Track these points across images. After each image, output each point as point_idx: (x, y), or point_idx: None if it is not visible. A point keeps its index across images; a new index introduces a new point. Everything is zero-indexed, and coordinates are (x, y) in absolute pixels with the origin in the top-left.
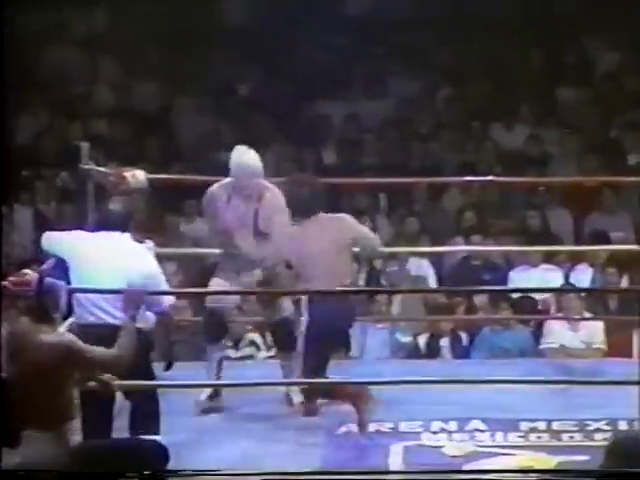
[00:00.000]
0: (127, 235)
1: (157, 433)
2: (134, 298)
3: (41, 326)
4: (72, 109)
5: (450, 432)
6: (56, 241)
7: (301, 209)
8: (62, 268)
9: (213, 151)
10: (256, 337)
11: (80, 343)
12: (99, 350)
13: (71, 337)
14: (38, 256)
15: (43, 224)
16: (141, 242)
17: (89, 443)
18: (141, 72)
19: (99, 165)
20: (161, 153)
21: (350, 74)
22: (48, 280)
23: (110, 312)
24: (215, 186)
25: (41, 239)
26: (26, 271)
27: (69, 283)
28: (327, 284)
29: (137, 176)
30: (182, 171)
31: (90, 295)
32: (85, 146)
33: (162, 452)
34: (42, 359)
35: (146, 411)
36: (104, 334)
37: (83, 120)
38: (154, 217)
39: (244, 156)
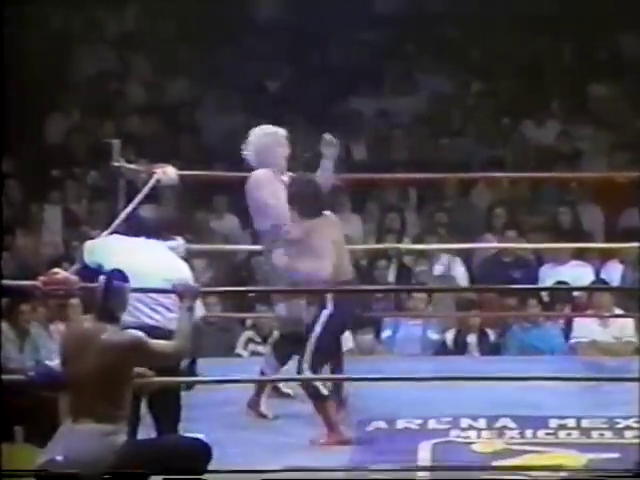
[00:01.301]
0: (160, 241)
1: (177, 430)
2: (190, 293)
3: (106, 325)
4: (103, 107)
5: (479, 429)
6: (97, 252)
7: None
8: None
9: (241, 148)
10: None
11: (151, 341)
12: (162, 343)
13: (140, 335)
14: (69, 255)
15: (74, 223)
16: (171, 239)
17: (134, 441)
18: (171, 69)
19: (130, 163)
20: (191, 150)
21: (381, 70)
22: (117, 281)
23: (147, 314)
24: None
25: (83, 250)
26: (56, 270)
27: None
28: (341, 276)
29: (168, 173)
30: (212, 168)
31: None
32: (116, 144)
33: (205, 450)
34: (111, 356)
35: (172, 409)
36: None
37: (114, 118)
38: (184, 214)
39: None
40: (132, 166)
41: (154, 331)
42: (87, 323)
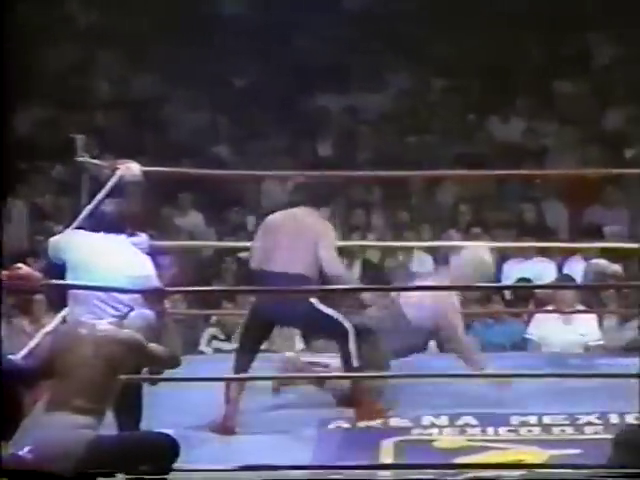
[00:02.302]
0: (123, 237)
1: (139, 427)
2: (155, 297)
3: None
4: (69, 102)
5: (441, 427)
6: (60, 248)
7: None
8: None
9: (209, 144)
10: None
11: (144, 341)
12: (159, 348)
13: (138, 335)
14: (33, 250)
15: (39, 217)
16: (135, 235)
17: (102, 436)
18: (139, 65)
19: (94, 158)
20: (157, 146)
21: (348, 67)
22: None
23: (107, 311)
24: None
25: (47, 246)
26: (19, 265)
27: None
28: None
29: (131, 168)
30: (178, 164)
31: (88, 293)
32: (80, 139)
33: (173, 445)
34: (111, 351)
35: (134, 405)
36: None
37: (79, 113)
38: (148, 210)
39: None
40: (96, 161)
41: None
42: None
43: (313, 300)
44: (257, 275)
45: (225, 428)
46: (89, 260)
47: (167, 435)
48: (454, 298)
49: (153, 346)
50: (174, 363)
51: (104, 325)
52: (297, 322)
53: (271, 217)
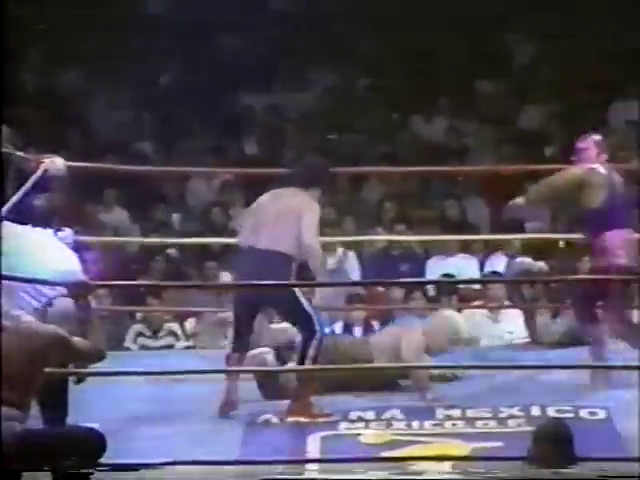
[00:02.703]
0: (50, 231)
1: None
2: (81, 291)
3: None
4: None
5: (367, 421)
6: None
7: None
8: None
9: (133, 141)
10: (175, 327)
11: (74, 338)
12: (82, 342)
13: (60, 330)
14: None
15: None
16: (60, 230)
17: (29, 429)
18: (64, 61)
19: (19, 151)
20: (82, 142)
21: (273, 66)
22: None
23: (31, 304)
24: None
25: None
26: None
27: None
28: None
29: (56, 163)
30: (102, 161)
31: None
32: (5, 130)
33: (100, 440)
34: (34, 345)
35: (60, 400)
36: None
37: (4, 106)
38: (73, 205)
39: None
40: (20, 154)
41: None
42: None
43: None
44: (244, 252)
45: (230, 404)
46: (15, 252)
47: (93, 429)
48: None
49: (77, 340)
50: (98, 357)
51: (27, 317)
52: (276, 306)
53: (261, 197)
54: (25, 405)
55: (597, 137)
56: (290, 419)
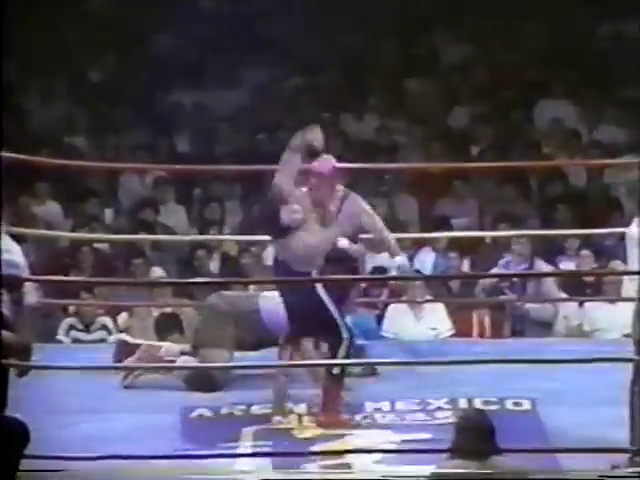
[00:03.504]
0: None
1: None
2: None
3: None
4: None
5: (300, 415)
6: None
7: None
8: None
9: (66, 136)
10: (107, 321)
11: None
12: (10, 336)
13: None
14: None
15: None
16: None
17: None
18: None
19: None
20: (14, 135)
21: (203, 64)
22: None
23: None
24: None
25: None
26: None
27: None
28: None
29: None
30: (35, 154)
31: None
32: None
33: (23, 431)
34: None
35: None
36: None
37: None
38: (5, 198)
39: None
40: None
41: None
42: None
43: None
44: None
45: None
46: None
47: (16, 419)
48: None
49: (5, 334)
50: (25, 352)
51: None
52: (303, 311)
53: None
54: None
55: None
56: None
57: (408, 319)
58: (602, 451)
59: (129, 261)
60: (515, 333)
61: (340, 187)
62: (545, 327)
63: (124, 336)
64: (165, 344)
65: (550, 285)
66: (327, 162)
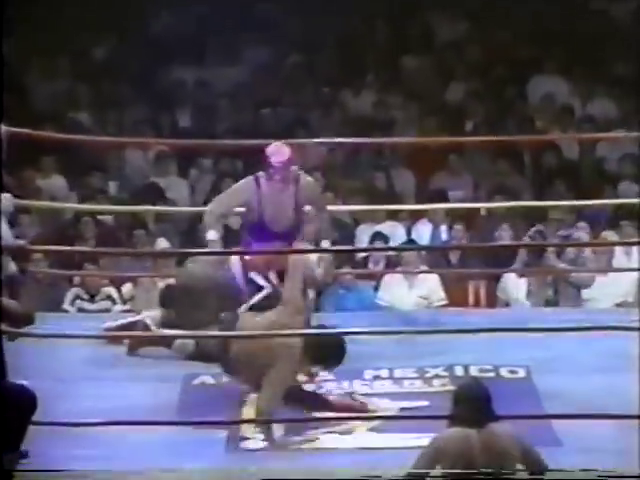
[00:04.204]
0: None
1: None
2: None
3: None
4: None
5: (301, 382)
6: None
7: None
8: None
9: (70, 111)
10: (112, 291)
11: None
12: (11, 303)
13: None
14: None
15: None
16: None
17: None
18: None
19: None
20: (19, 111)
21: (205, 41)
22: None
23: None
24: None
25: None
26: None
27: None
28: None
29: None
30: (40, 130)
31: None
32: None
33: (30, 397)
34: None
35: None
36: None
37: None
38: (11, 171)
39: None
40: None
41: None
42: None
43: None
44: None
45: None
46: None
47: (24, 386)
48: None
49: (5, 301)
50: (27, 320)
51: None
52: None
53: None
54: None
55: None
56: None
57: (401, 288)
58: (596, 417)
59: (132, 233)
60: (549, 302)
61: (294, 168)
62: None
63: (147, 320)
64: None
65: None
66: (282, 150)
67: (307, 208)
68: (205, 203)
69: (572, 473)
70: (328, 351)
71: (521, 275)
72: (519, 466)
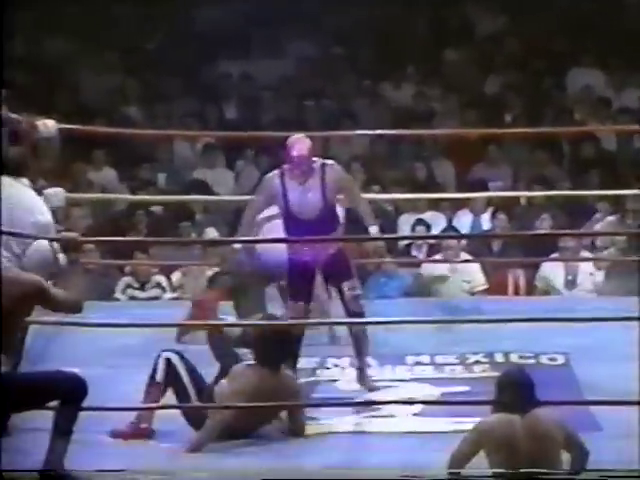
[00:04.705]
0: (26, 180)
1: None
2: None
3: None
4: None
5: (343, 368)
6: None
7: None
8: None
9: (120, 105)
10: (162, 279)
11: (52, 288)
12: (59, 292)
13: (40, 278)
14: None
15: None
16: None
17: (14, 373)
18: (54, 28)
19: (13, 113)
20: (71, 106)
21: (249, 36)
22: None
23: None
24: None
25: None
26: None
27: None
28: None
29: (48, 125)
30: (91, 123)
31: None
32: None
33: (81, 384)
34: (11, 293)
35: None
36: None
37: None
38: (63, 165)
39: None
40: (14, 115)
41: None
42: None
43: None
44: None
45: None
46: None
47: (75, 374)
48: None
49: (54, 290)
50: (74, 309)
51: (4, 266)
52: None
53: None
54: (8, 350)
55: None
56: None
57: (442, 273)
58: (635, 404)
59: (179, 224)
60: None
61: (316, 159)
62: None
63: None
64: None
65: None
66: (302, 142)
67: (339, 196)
68: (249, 193)
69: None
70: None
71: (563, 263)
72: (562, 451)
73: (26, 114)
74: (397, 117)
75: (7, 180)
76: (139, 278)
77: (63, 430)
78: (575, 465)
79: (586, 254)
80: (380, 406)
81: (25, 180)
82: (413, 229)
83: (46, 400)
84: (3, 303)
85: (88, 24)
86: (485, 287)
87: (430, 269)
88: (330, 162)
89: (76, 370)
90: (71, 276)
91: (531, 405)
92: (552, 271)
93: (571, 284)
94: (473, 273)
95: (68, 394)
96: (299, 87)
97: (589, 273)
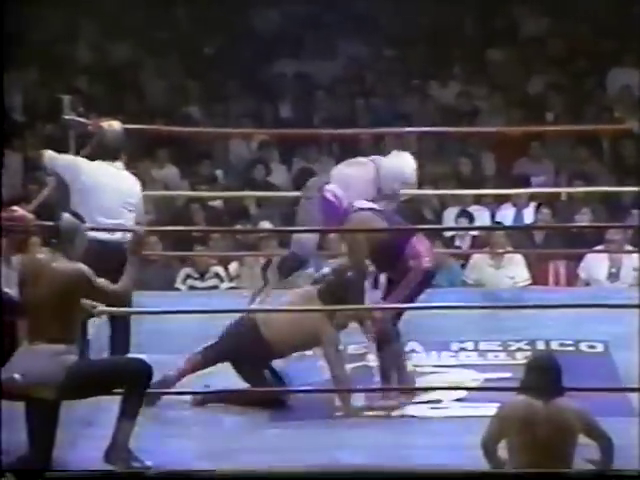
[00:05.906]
0: (119, 163)
1: (128, 352)
2: (140, 240)
3: (59, 255)
4: (56, 66)
5: None
6: (60, 161)
7: None
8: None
9: (181, 105)
10: (220, 270)
11: (92, 274)
12: (105, 283)
13: (85, 267)
14: (28, 196)
15: (32, 168)
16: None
17: (83, 361)
18: (117, 34)
19: (80, 117)
20: (134, 107)
21: (304, 37)
22: (68, 223)
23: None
24: None
25: (43, 157)
26: (15, 208)
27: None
28: None
29: (113, 126)
30: (154, 124)
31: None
32: (67, 99)
33: (146, 369)
34: (58, 283)
35: (123, 334)
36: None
37: (67, 76)
38: (128, 163)
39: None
40: (81, 119)
41: (113, 246)
42: (42, 254)
43: None
44: None
45: None
46: (93, 184)
47: (141, 360)
48: None
49: (100, 281)
50: (122, 300)
51: (55, 258)
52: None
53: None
54: (68, 339)
55: None
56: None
57: (489, 268)
58: None
59: (236, 218)
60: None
61: None
62: None
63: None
64: None
65: None
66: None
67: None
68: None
69: (572, 473)
70: None
71: (607, 256)
72: (582, 436)
73: (94, 116)
74: (444, 115)
75: (103, 163)
76: (198, 269)
77: (129, 415)
78: (605, 455)
79: (629, 248)
80: (427, 392)
81: (119, 164)
82: (456, 220)
83: (114, 386)
84: (57, 294)
85: (151, 29)
86: (528, 282)
87: (476, 261)
88: None
89: (142, 356)
90: (128, 267)
91: (556, 392)
92: (596, 263)
93: (614, 277)
94: (517, 269)
95: (134, 379)
96: (351, 86)
97: (632, 267)
